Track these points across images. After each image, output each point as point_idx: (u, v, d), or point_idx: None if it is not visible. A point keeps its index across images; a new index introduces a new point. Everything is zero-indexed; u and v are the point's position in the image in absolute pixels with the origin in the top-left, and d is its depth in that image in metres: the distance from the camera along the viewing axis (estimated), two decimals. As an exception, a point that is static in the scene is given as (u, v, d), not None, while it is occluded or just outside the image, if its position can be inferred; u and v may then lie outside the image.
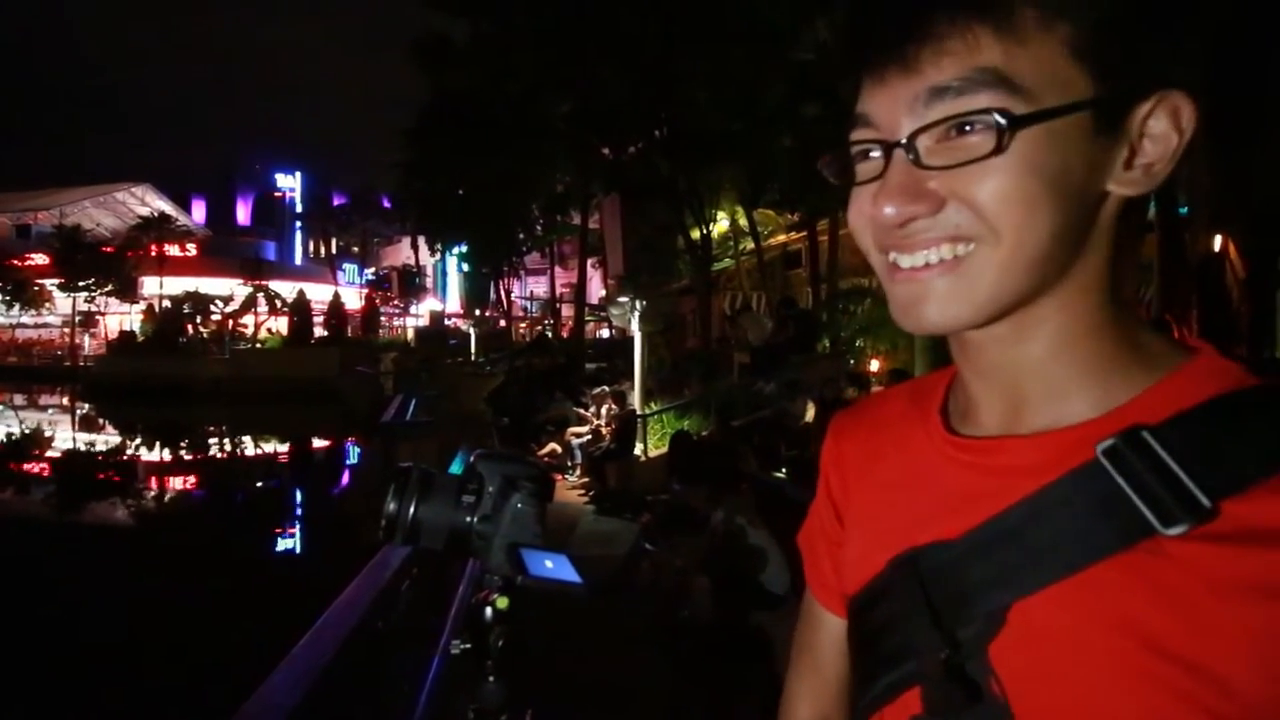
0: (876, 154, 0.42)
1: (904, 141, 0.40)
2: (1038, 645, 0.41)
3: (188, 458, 15.52)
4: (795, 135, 11.20)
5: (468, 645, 0.68)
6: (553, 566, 0.62)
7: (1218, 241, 5.59)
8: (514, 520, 0.67)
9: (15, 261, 34.19)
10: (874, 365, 9.10)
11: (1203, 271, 5.72)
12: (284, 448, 16.84)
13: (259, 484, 13.31)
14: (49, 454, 15.59)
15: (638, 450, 7.69)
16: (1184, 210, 6.62)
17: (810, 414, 6.44)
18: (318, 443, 17.29)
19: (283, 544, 8.93)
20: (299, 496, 11.95)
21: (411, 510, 0.68)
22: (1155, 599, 0.39)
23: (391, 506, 0.68)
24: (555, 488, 0.74)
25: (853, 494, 0.55)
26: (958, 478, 0.47)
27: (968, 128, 0.39)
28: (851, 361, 9.19)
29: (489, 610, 0.67)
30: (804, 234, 14.17)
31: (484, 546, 0.67)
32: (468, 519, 0.68)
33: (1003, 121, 0.38)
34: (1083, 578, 0.40)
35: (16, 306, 33.19)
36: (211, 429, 18.74)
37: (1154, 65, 0.40)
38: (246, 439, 17.56)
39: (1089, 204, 0.41)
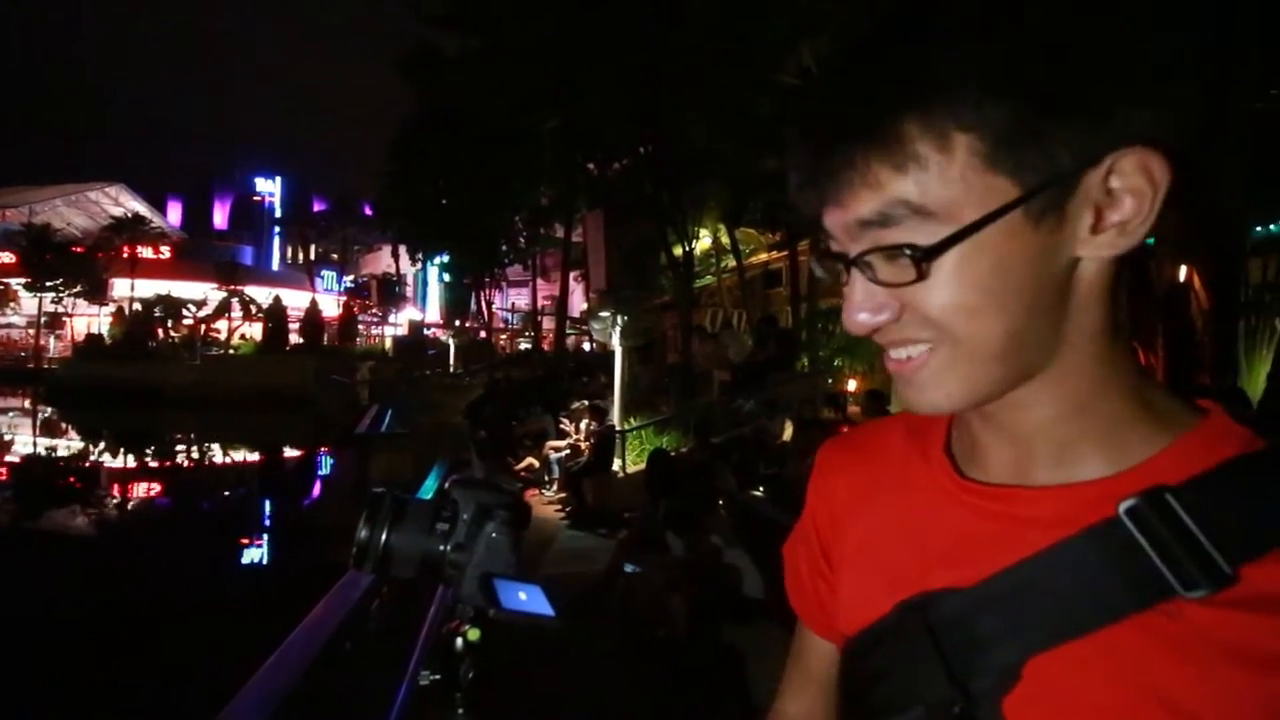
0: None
1: (855, 259, 0.42)
2: (1053, 701, 0.41)
3: (151, 465, 15.10)
4: (778, 157, 11.35)
5: (437, 676, 0.67)
6: (525, 598, 0.62)
7: (1183, 272, 5.77)
8: (488, 549, 0.66)
9: (-21, 260, 33.29)
10: (851, 385, 9.19)
11: (1168, 301, 5.90)
12: (254, 457, 16.48)
13: (225, 494, 12.98)
14: (4, 458, 15.06)
15: (616, 466, 7.66)
16: (1150, 241, 6.85)
17: (789, 433, 6.47)
18: (289, 453, 16.94)
19: (248, 557, 8.69)
20: (267, 508, 11.66)
21: (384, 537, 0.67)
22: (1175, 662, 0.39)
23: (363, 533, 0.67)
24: (531, 515, 0.73)
25: (847, 531, 0.54)
26: (969, 523, 0.46)
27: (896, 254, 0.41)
28: (830, 380, 9.28)
29: (460, 641, 0.66)
30: (785, 253, 14.34)
31: (456, 576, 0.66)
32: (441, 547, 0.67)
33: (911, 255, 0.39)
34: (1101, 636, 0.40)
35: (-21, 306, 32.27)
36: (178, 436, 18.28)
37: (1085, 143, 0.38)
38: (214, 447, 17.14)
39: (1053, 283, 0.41)
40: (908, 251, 0.39)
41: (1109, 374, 0.43)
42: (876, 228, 0.41)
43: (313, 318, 30.69)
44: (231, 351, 28.85)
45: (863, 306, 0.42)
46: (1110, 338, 0.43)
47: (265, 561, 8.54)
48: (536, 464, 8.19)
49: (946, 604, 0.45)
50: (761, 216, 13.99)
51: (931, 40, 0.39)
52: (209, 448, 17.17)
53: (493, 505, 0.68)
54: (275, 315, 29.29)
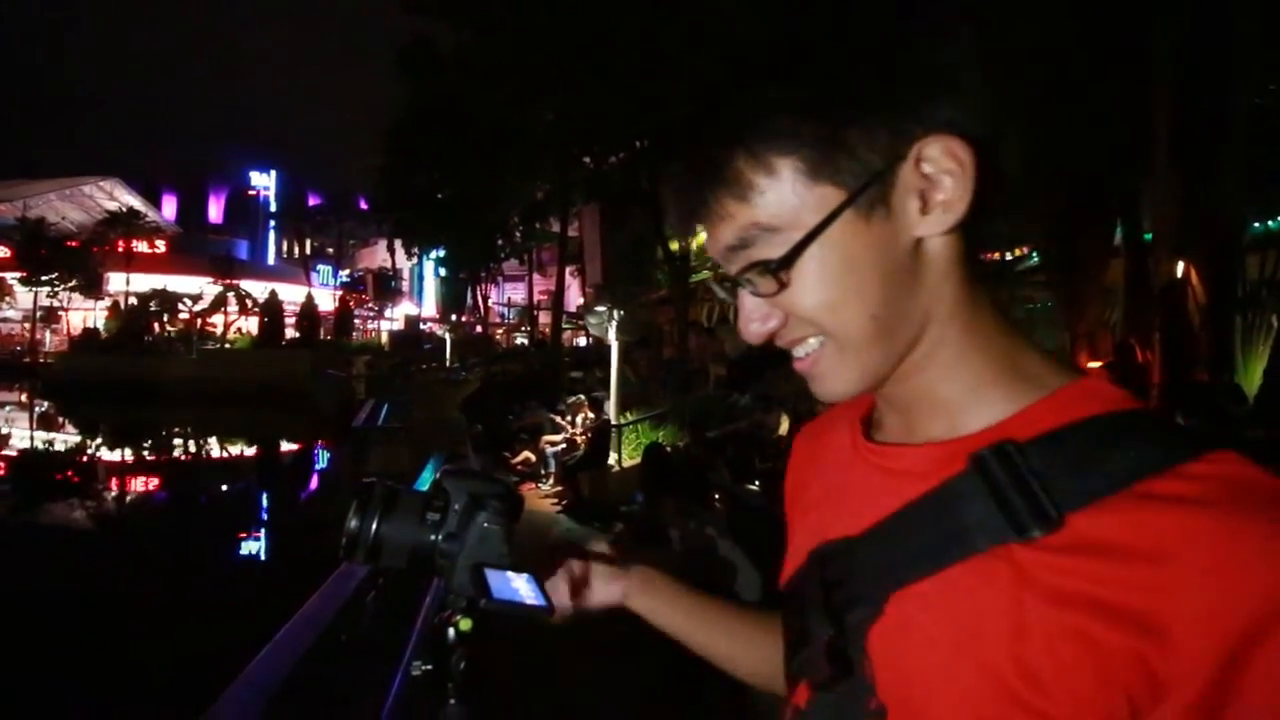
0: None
1: (736, 279, 0.48)
2: (901, 633, 0.46)
3: (146, 459, 15.06)
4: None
5: (429, 666, 0.66)
6: (517, 589, 0.61)
7: (1180, 268, 5.78)
8: (479, 540, 0.65)
9: (-27, 254, 33.08)
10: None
11: (1165, 297, 5.90)
12: (249, 451, 16.44)
13: (220, 488, 12.96)
14: (2, 452, 15.01)
15: (612, 460, 7.66)
16: (1148, 237, 6.84)
17: (784, 427, 6.48)
18: (285, 446, 16.91)
19: (245, 549, 8.69)
20: (264, 502, 11.65)
21: (374, 527, 0.66)
22: (997, 601, 0.42)
23: (353, 523, 0.66)
24: (524, 505, 0.73)
25: (799, 501, 0.62)
26: (866, 479, 0.52)
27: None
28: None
29: (452, 631, 0.66)
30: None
31: (448, 566, 0.66)
32: (431, 537, 0.67)
33: (768, 268, 0.45)
34: (945, 575, 0.45)
35: (-27, 300, 32.08)
36: (174, 430, 18.23)
37: (889, 142, 0.44)
38: (210, 441, 17.11)
39: (901, 266, 0.46)
40: (765, 266, 0.45)
41: (975, 342, 0.48)
42: (741, 250, 0.46)
43: (309, 312, 30.59)
44: (227, 346, 28.74)
45: (752, 317, 0.48)
46: (971, 309, 0.48)
47: (262, 554, 8.53)
48: (533, 458, 8.19)
49: (836, 550, 0.52)
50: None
51: (741, 87, 0.46)
52: (205, 442, 17.14)
53: (484, 495, 0.68)
54: (271, 310, 29.17)
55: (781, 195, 0.45)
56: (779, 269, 0.45)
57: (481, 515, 0.66)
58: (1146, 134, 5.93)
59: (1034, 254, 10.23)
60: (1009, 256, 10.99)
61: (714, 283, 0.52)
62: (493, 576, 0.62)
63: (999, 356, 0.48)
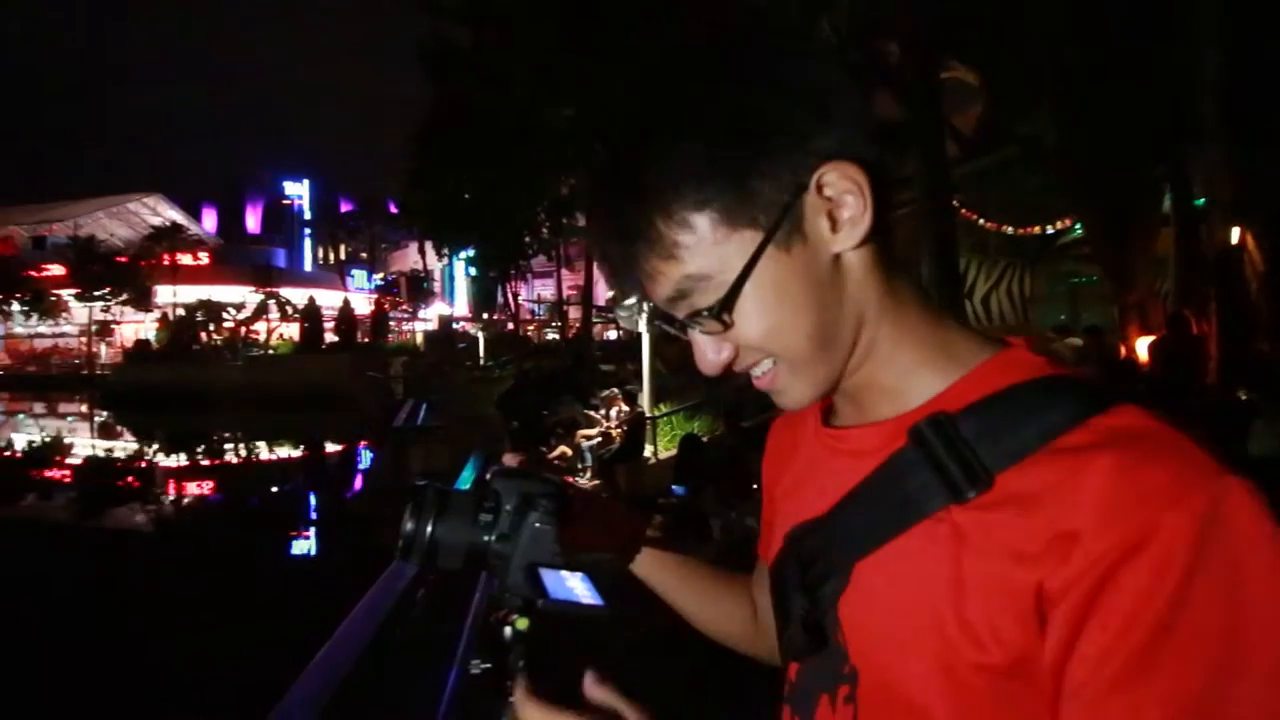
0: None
1: (684, 323, 0.52)
2: (866, 600, 0.51)
3: (203, 463, 15.66)
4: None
5: (488, 665, 0.67)
6: (573, 588, 0.62)
7: (1235, 234, 5.51)
8: (532, 539, 0.66)
9: (32, 272, 34.65)
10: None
11: (1221, 265, 5.64)
12: (297, 453, 16.96)
13: (274, 489, 13.41)
14: (69, 460, 15.78)
15: (648, 452, 7.68)
16: (1200, 203, 6.54)
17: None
18: (331, 448, 17.39)
19: (298, 548, 8.99)
20: (313, 501, 12.02)
21: (429, 530, 0.67)
22: (941, 561, 0.46)
23: (409, 526, 0.67)
24: (574, 504, 0.73)
25: (773, 488, 0.67)
26: (828, 462, 0.57)
27: None
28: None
29: (509, 630, 0.67)
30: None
31: (502, 566, 0.67)
32: (485, 538, 0.68)
33: (711, 314, 0.49)
34: (898, 542, 0.49)
35: (35, 316, 33.63)
36: (226, 435, 18.90)
37: (789, 178, 0.48)
38: (261, 444, 17.69)
39: (826, 281, 0.50)
40: (706, 313, 0.50)
41: (904, 332, 0.53)
42: (681, 299, 0.50)
43: (346, 316, 31.29)
44: (271, 352, 29.62)
45: (707, 353, 0.53)
46: (896, 304, 0.53)
47: (313, 551, 8.82)
48: (569, 452, 8.26)
49: (807, 530, 0.56)
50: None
51: (648, 155, 0.48)
52: (255, 445, 17.73)
53: (535, 494, 0.68)
54: (311, 315, 29.94)
55: (705, 246, 0.48)
56: (720, 312, 0.49)
57: (533, 515, 0.67)
58: (1196, 96, 5.65)
59: (1076, 226, 9.87)
60: (1049, 230, 10.64)
61: (661, 324, 0.56)
62: (547, 576, 0.63)
63: (927, 341, 0.53)
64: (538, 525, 0.66)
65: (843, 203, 0.49)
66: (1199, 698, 0.38)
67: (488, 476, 0.71)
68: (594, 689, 0.52)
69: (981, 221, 11.43)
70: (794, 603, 0.55)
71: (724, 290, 0.49)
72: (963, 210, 10.42)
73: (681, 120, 0.48)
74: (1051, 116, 7.44)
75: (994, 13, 9.03)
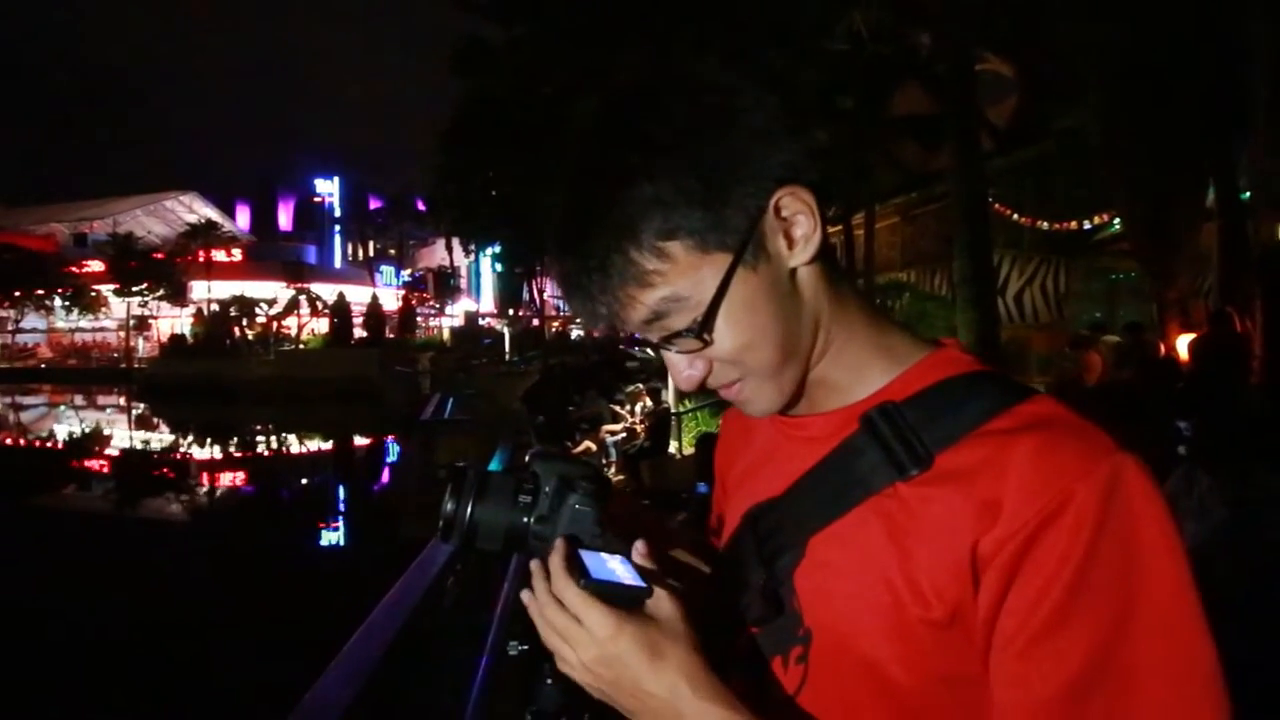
0: None
1: (660, 344, 0.56)
2: (820, 570, 0.56)
3: (237, 455, 16.06)
4: (829, 128, 11.02)
5: (525, 646, 0.67)
6: (613, 569, 0.61)
7: (1283, 228, 5.30)
8: (572, 521, 0.65)
9: (74, 268, 35.85)
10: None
11: (1267, 261, 5.43)
12: (327, 446, 17.29)
13: (306, 480, 13.70)
14: (108, 451, 16.30)
15: (672, 448, 7.67)
16: (1245, 196, 6.31)
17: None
18: (359, 441, 17.70)
19: (328, 538, 9.18)
20: (344, 492, 12.26)
21: (469, 511, 0.67)
22: (888, 532, 0.52)
23: (449, 506, 0.67)
24: (612, 488, 0.72)
25: (727, 474, 0.73)
26: (783, 448, 0.62)
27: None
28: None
29: (547, 611, 0.66)
30: (839, 228, 13.95)
31: (542, 548, 0.66)
32: (524, 519, 0.67)
33: (689, 334, 0.53)
34: (850, 517, 0.55)
35: (75, 311, 34.79)
36: (259, 427, 19.35)
37: (750, 205, 0.52)
38: (292, 437, 18.08)
39: (787, 295, 0.55)
40: (685, 332, 0.54)
41: (850, 333, 0.59)
42: (656, 321, 0.54)
43: (375, 312, 31.80)
44: (302, 347, 30.23)
45: (684, 371, 0.57)
46: (842, 309, 0.59)
47: (345, 540, 8.99)
48: (594, 448, 8.29)
49: (764, 509, 0.62)
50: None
51: (618, 190, 0.51)
52: (287, 437, 18.13)
53: (574, 477, 0.67)
54: (340, 311, 30.48)
55: (680, 272, 0.52)
56: (701, 332, 0.53)
57: (573, 497, 0.66)
58: (1243, 86, 5.44)
59: (1114, 222, 9.60)
60: (1086, 225, 10.37)
61: (636, 347, 0.59)
62: (588, 558, 0.62)
63: (871, 340, 0.59)
64: (578, 507, 0.66)
65: (796, 222, 0.54)
66: (1111, 639, 0.45)
67: (526, 459, 0.71)
68: (642, 558, 0.58)
69: (1016, 217, 11.18)
70: (752, 574, 0.59)
71: (700, 310, 0.53)
72: (996, 205, 10.20)
73: (651, 155, 0.52)
74: (1091, 106, 7.22)
75: (1030, 1, 8.81)
